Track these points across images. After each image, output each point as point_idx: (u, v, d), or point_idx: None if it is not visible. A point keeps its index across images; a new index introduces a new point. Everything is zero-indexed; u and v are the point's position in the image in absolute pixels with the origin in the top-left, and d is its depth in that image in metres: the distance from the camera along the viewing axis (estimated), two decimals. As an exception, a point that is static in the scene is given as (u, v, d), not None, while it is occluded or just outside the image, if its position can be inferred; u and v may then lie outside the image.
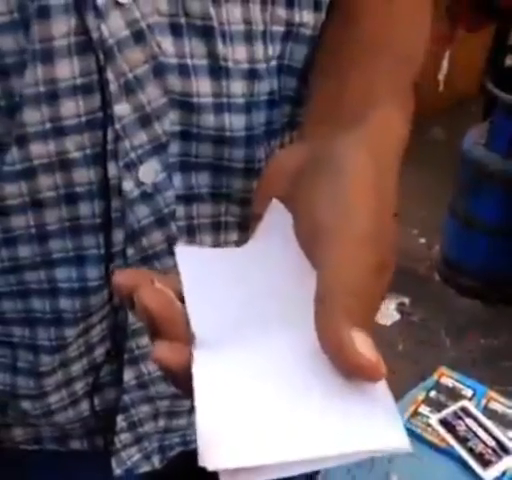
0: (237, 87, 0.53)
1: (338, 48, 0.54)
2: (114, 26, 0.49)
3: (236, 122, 0.54)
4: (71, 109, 0.50)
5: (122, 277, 0.40)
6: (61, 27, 0.47)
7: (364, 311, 0.37)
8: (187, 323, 0.39)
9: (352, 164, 0.41)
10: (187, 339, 0.38)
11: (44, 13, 0.47)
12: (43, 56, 0.48)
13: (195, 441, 0.78)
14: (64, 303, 0.57)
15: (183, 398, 0.67)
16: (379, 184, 0.41)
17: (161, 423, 0.68)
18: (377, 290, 0.39)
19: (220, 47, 0.52)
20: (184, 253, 0.44)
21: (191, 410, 0.69)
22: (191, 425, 0.70)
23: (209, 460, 0.35)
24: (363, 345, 0.35)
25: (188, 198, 0.57)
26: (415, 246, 2.53)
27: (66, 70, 0.49)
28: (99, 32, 0.48)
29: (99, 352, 0.61)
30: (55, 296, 0.57)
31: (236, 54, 0.52)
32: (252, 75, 0.54)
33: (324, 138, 0.44)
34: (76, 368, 0.62)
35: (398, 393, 1.15)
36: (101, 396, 0.64)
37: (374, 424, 0.35)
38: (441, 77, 2.30)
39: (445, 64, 2.28)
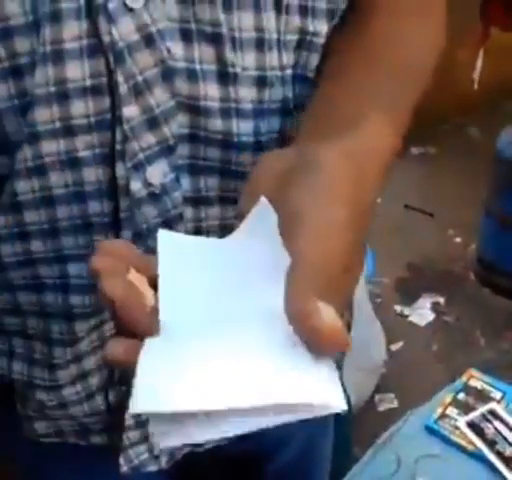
0: (246, 93, 0.54)
1: (345, 55, 0.55)
2: (125, 30, 0.49)
3: (244, 127, 0.55)
4: (81, 109, 0.51)
5: (99, 262, 0.41)
6: (72, 30, 0.49)
7: (332, 288, 0.39)
8: (150, 313, 0.40)
9: (334, 167, 0.43)
10: (146, 329, 0.39)
11: (56, 16, 0.48)
12: (54, 57, 0.49)
13: (204, 443, 0.79)
14: (74, 299, 0.59)
15: None
16: (357, 187, 0.43)
17: None
18: (347, 277, 0.41)
19: (229, 53, 0.52)
20: (166, 238, 0.44)
21: None
22: None
23: (136, 405, 0.35)
24: (329, 316, 0.36)
25: (196, 200, 0.58)
26: (450, 245, 2.51)
27: (76, 71, 0.50)
28: (110, 36, 0.49)
29: None
30: (66, 291, 0.58)
31: (245, 61, 0.53)
32: (262, 82, 0.54)
33: (312, 143, 0.46)
34: (90, 362, 0.63)
35: (432, 393, 1.14)
36: (116, 391, 0.65)
37: (313, 380, 0.35)
38: (476, 76, 2.28)
39: (480, 63, 2.26)
